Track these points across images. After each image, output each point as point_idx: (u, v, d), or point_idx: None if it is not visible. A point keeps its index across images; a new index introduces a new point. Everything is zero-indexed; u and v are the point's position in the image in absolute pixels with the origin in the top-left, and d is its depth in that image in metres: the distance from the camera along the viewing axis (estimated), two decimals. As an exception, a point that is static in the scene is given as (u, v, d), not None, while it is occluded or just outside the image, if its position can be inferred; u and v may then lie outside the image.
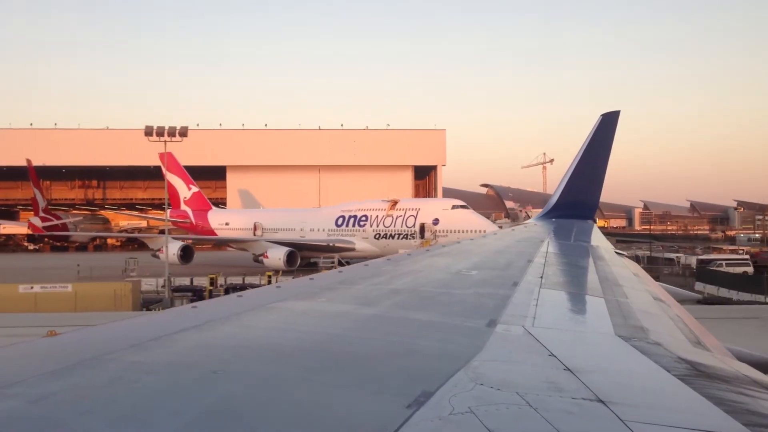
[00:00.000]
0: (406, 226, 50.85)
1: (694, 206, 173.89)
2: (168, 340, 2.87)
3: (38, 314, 28.77)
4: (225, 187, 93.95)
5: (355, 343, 3.15)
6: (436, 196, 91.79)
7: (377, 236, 52.74)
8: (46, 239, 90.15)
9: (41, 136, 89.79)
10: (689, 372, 2.98)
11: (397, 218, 51.81)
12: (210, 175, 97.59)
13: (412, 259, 7.38)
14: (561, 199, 16.18)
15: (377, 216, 52.98)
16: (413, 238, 49.23)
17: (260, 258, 51.33)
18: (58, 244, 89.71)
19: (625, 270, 7.87)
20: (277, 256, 50.08)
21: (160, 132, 43.52)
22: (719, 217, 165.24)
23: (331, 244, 53.62)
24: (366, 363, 2.74)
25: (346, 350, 2.98)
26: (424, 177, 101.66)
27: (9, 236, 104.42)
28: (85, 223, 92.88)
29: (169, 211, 70.16)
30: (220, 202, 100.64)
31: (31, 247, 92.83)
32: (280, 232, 58.26)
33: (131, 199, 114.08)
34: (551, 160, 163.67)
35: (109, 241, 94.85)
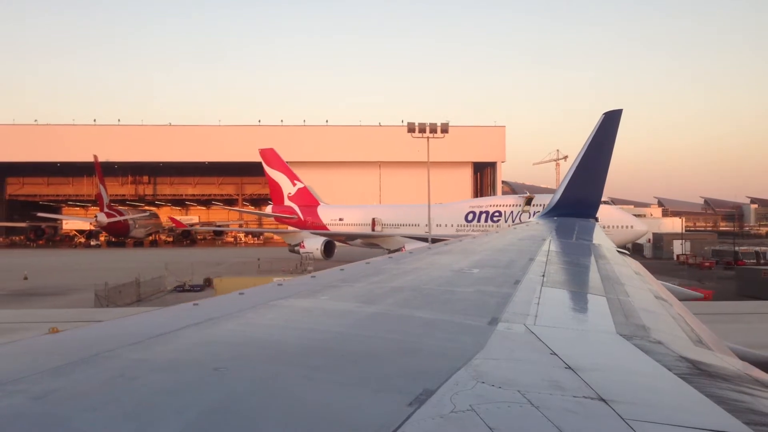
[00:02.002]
0: None
1: (708, 203, 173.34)
2: (170, 338, 2.88)
3: (39, 310, 28.83)
4: None
5: (356, 341, 3.16)
6: (495, 191, 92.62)
7: None
8: (102, 235, 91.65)
9: (100, 132, 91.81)
10: (691, 371, 2.98)
11: (534, 214, 51.96)
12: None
13: (414, 257, 7.38)
14: (563, 197, 16.17)
15: (512, 211, 53.02)
16: None
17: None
18: (114, 239, 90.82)
19: (627, 268, 7.86)
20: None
21: (422, 128, 45.89)
22: (734, 213, 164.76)
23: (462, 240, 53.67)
24: (367, 361, 2.74)
25: (348, 348, 2.99)
26: (477, 173, 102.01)
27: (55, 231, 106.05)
28: (142, 219, 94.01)
29: (270, 206, 71.07)
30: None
31: (93, 242, 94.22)
32: (402, 228, 58.26)
33: (181, 195, 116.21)
34: (565, 157, 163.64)
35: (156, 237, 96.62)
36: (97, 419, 1.86)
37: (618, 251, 10.11)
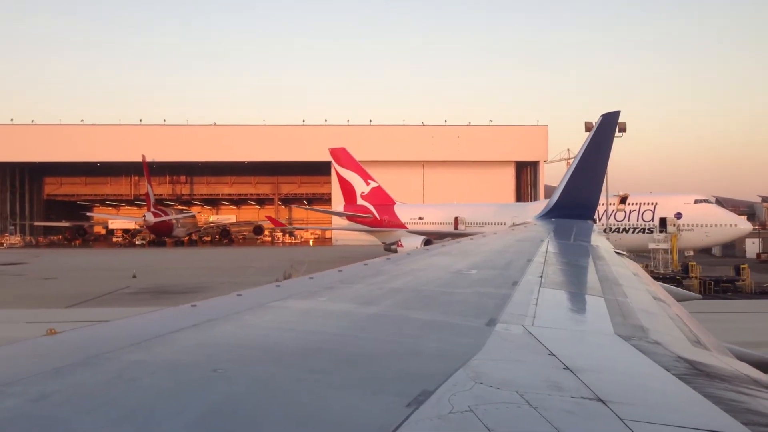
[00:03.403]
0: (643, 221, 50.77)
1: (719, 201, 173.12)
2: (168, 339, 2.87)
3: (37, 311, 28.77)
4: (328, 182, 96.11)
5: (354, 343, 3.16)
6: (538, 191, 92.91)
7: (607, 230, 52.61)
8: (142, 235, 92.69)
9: (143, 132, 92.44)
10: (689, 371, 2.98)
11: (630, 213, 51.54)
12: (310, 171, 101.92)
13: (413, 259, 7.39)
14: (561, 198, 16.19)
15: (605, 210, 52.36)
16: (650, 232, 49.39)
17: None
18: (155, 239, 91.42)
19: (625, 270, 7.87)
20: None
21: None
22: (746, 212, 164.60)
23: None
24: (366, 362, 2.74)
25: (346, 349, 2.99)
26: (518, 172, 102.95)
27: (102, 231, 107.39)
28: (184, 219, 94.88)
29: (342, 205, 71.20)
30: (323, 198, 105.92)
31: (138, 241, 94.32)
32: (486, 226, 57.36)
33: (218, 194, 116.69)
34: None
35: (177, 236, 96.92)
36: (95, 421, 1.86)
37: (616, 252, 10.12)
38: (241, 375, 2.35)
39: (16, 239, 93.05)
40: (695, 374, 2.93)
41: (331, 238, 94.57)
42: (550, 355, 2.95)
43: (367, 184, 69.67)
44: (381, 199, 68.36)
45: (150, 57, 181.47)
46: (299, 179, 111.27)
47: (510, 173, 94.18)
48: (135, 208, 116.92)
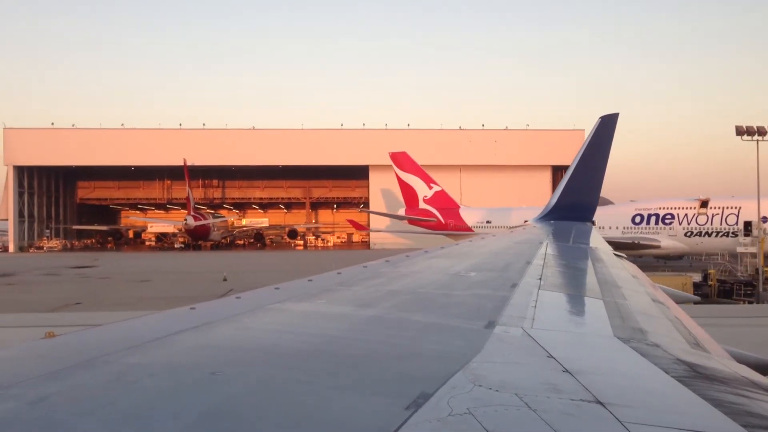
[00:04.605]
0: (726, 224, 50.98)
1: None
2: (166, 342, 2.87)
3: (36, 314, 28.72)
4: (364, 186, 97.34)
5: (353, 345, 3.15)
6: None
7: (688, 234, 52.94)
8: (182, 238, 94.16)
9: (181, 136, 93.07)
10: (688, 373, 2.98)
11: (713, 216, 51.75)
12: (342, 175, 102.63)
13: (411, 261, 7.38)
14: (560, 201, 16.19)
15: (686, 214, 52.98)
16: (734, 236, 49.48)
17: None
18: (191, 242, 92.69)
19: (624, 272, 7.87)
20: None
21: (751, 131, 45.26)
22: None
23: (636, 242, 53.65)
24: (364, 364, 2.74)
25: (345, 352, 2.98)
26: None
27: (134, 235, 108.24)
28: (220, 222, 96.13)
29: (403, 209, 72.05)
30: (352, 202, 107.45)
31: (177, 245, 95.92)
32: None
33: (249, 198, 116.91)
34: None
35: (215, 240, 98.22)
36: (93, 424, 1.85)
37: (615, 254, 10.12)
38: (239, 377, 2.35)
39: (55, 243, 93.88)
40: (694, 377, 2.93)
41: (368, 242, 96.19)
42: (549, 358, 2.94)
43: (430, 187, 70.65)
44: (445, 202, 69.07)
45: (190, 62, 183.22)
46: (330, 183, 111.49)
47: (547, 177, 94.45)
48: (162, 212, 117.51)
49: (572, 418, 2.09)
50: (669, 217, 54.00)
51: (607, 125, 16.43)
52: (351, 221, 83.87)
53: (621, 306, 5.02)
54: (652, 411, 2.32)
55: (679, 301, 7.34)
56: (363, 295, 4.77)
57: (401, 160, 72.49)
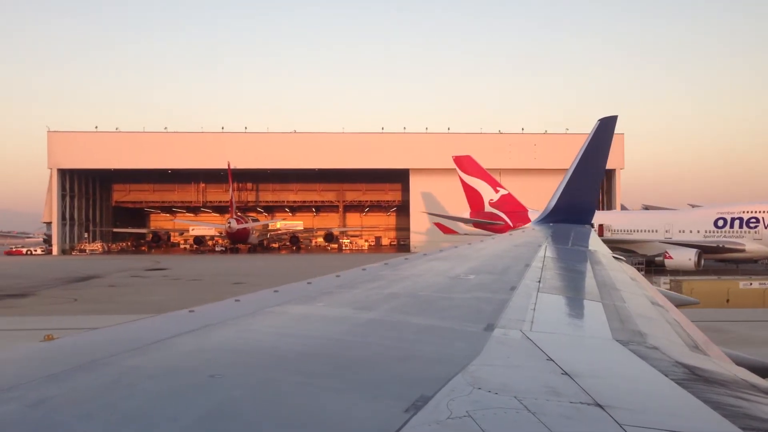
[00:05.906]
0: None
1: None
2: (165, 345, 2.86)
3: (36, 317, 28.70)
4: (397, 190, 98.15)
5: (353, 348, 3.15)
6: (615, 199, 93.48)
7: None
8: (221, 241, 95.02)
9: (220, 139, 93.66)
10: (687, 376, 2.98)
11: None
12: (376, 178, 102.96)
13: (411, 264, 7.38)
14: (558, 203, 16.19)
15: (761, 219, 53.14)
16: None
17: (658, 259, 53.05)
18: (230, 245, 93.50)
19: (623, 275, 7.87)
20: (687, 256, 51.61)
21: None
22: None
23: (720, 245, 54.11)
24: (364, 367, 2.74)
25: (344, 354, 2.98)
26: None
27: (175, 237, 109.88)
28: (257, 225, 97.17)
29: (468, 212, 71.85)
30: (384, 205, 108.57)
31: (218, 248, 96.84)
32: (635, 234, 57.79)
33: (283, 201, 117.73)
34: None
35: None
36: (92, 426, 1.85)
37: (614, 257, 10.12)
38: (238, 380, 2.35)
39: (96, 246, 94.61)
40: (694, 379, 2.93)
41: (395, 245, 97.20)
42: (549, 360, 2.94)
43: (496, 191, 70.47)
44: (512, 206, 68.63)
45: (232, 66, 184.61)
46: (364, 186, 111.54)
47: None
48: (191, 214, 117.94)
49: (571, 421, 2.09)
50: (754, 221, 54.01)
51: (605, 128, 16.46)
52: (438, 224, 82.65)
53: (620, 309, 5.01)
54: (652, 414, 2.32)
55: (679, 303, 7.34)
56: (362, 297, 4.77)
57: (465, 163, 72.22)
